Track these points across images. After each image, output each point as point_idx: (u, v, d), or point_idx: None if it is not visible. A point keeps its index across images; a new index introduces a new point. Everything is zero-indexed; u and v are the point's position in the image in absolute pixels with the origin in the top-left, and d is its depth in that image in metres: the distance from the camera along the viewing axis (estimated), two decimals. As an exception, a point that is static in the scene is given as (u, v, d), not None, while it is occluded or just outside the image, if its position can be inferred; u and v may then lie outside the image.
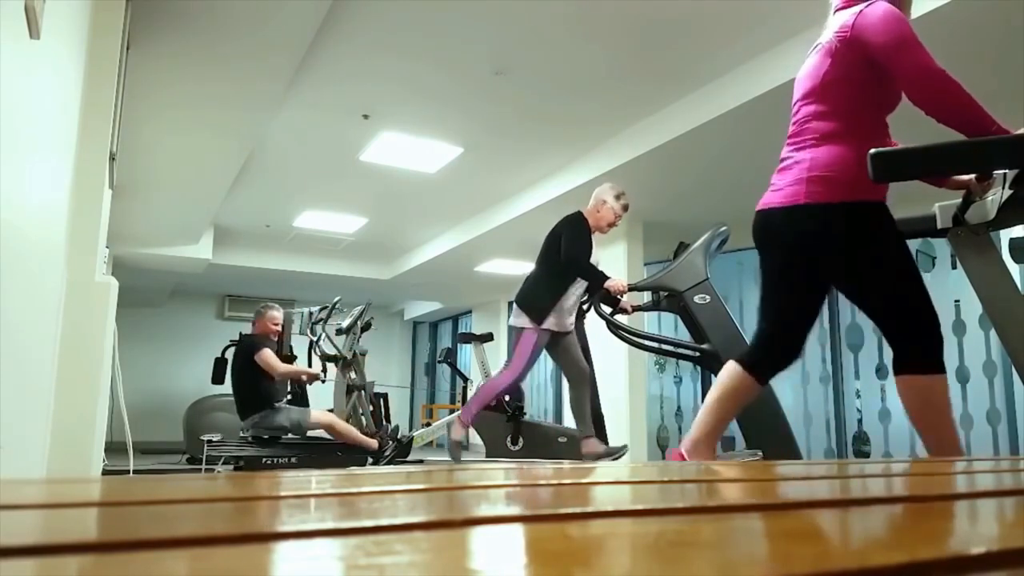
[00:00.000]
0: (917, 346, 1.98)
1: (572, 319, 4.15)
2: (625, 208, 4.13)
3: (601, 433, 4.42)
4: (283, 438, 5.31)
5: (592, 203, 4.13)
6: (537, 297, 4.04)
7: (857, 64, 1.92)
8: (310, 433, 5.44)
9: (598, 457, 4.10)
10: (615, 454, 4.16)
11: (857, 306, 2.03)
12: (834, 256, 1.97)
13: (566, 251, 3.94)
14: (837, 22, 1.99)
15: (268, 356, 5.14)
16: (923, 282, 1.93)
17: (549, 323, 4.01)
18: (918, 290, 1.91)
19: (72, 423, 2.42)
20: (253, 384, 5.18)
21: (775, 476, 1.07)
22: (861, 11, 1.92)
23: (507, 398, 4.73)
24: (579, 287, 4.10)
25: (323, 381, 5.62)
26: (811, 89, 2.02)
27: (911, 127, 2.06)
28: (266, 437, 5.21)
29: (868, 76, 1.93)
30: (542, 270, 4.10)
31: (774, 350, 2.14)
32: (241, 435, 5.26)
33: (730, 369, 2.13)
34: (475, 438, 4.53)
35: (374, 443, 5.30)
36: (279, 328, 5.49)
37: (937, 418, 2.04)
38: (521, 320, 4.03)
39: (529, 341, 3.99)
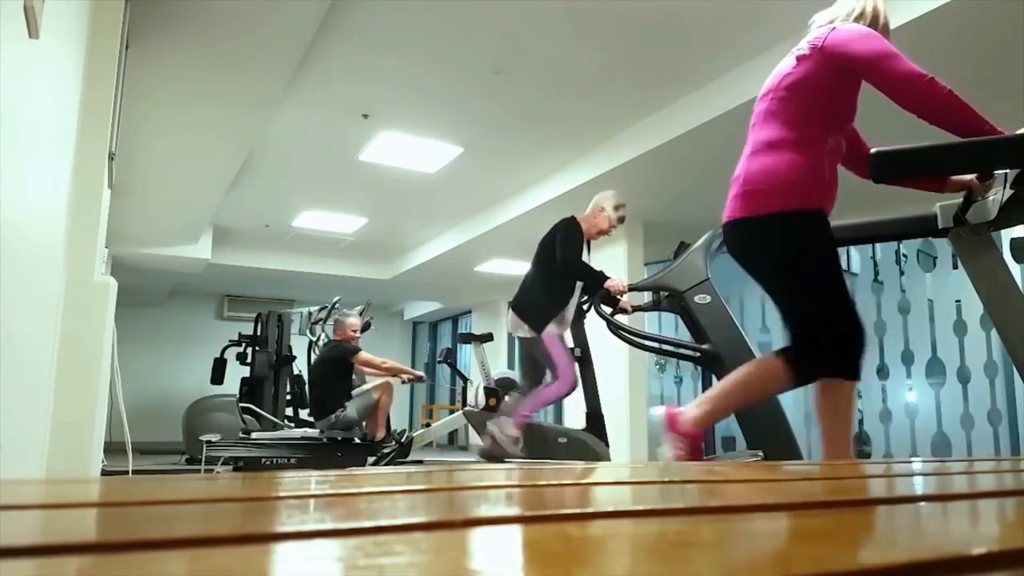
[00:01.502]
0: (809, 352, 1.97)
1: (568, 328, 4.13)
2: (621, 220, 4.10)
3: (601, 433, 4.42)
4: (279, 440, 5.35)
5: (590, 208, 4.10)
6: (537, 306, 4.00)
7: (820, 73, 1.96)
8: (309, 433, 5.47)
9: (490, 455, 4.12)
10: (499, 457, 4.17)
11: (778, 308, 2.06)
12: (763, 266, 2.03)
13: (562, 255, 3.92)
14: (812, 34, 2.06)
15: (367, 355, 5.50)
16: (843, 292, 1.95)
17: (549, 331, 3.99)
18: (832, 301, 1.94)
19: (71, 423, 2.41)
20: (336, 387, 5.41)
21: (776, 476, 1.07)
22: (835, 27, 1.99)
23: (507, 398, 4.73)
24: (577, 298, 4.10)
25: (424, 381, 6.01)
26: (769, 88, 2.06)
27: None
28: (340, 439, 5.39)
29: (827, 88, 1.97)
30: (539, 278, 4.06)
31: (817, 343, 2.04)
32: (318, 435, 5.42)
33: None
34: (475, 439, 4.52)
35: (382, 432, 5.49)
36: (358, 335, 5.74)
37: (832, 422, 2.07)
38: (526, 330, 3.98)
39: (552, 345, 3.95)
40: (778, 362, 1.96)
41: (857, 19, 2.04)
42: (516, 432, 4.06)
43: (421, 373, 5.89)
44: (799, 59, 2.01)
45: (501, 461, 4.03)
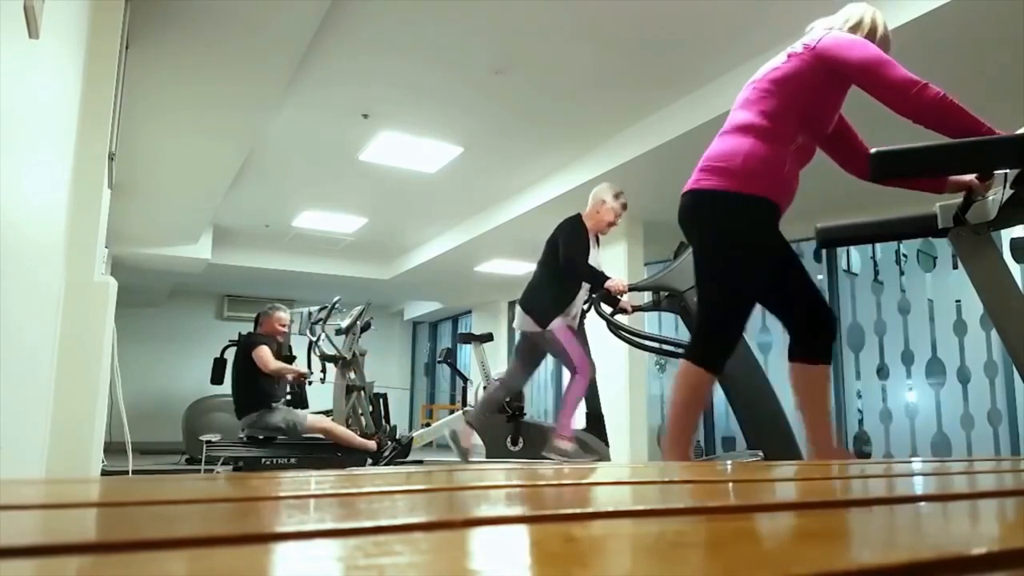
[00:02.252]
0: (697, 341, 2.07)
1: (576, 322, 4.13)
2: (624, 207, 4.10)
3: (601, 433, 4.42)
4: (278, 439, 5.31)
5: (591, 204, 4.10)
6: (542, 302, 4.00)
7: (808, 73, 2.00)
8: (310, 432, 5.45)
9: (463, 452, 4.11)
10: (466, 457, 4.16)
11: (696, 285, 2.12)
12: (698, 237, 2.08)
13: (564, 253, 3.92)
14: (806, 37, 2.11)
15: (263, 352, 5.15)
16: (744, 287, 2.05)
17: (556, 323, 3.98)
18: (727, 294, 2.03)
19: (71, 423, 2.41)
20: (250, 383, 5.19)
21: (776, 477, 1.07)
22: (831, 32, 2.04)
23: (507, 399, 4.73)
24: (584, 293, 4.09)
25: (310, 383, 5.62)
26: (756, 78, 2.13)
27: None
28: (261, 437, 5.21)
29: (810, 88, 2.02)
30: (545, 276, 4.06)
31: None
32: (239, 435, 5.26)
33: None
34: (475, 439, 4.51)
35: (372, 445, 5.31)
36: (286, 329, 5.51)
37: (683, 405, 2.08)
38: (532, 325, 3.97)
39: (564, 339, 3.93)
40: (687, 364, 2.03)
41: (853, 29, 2.09)
42: (570, 445, 4.01)
43: (304, 371, 5.52)
44: (790, 56, 2.05)
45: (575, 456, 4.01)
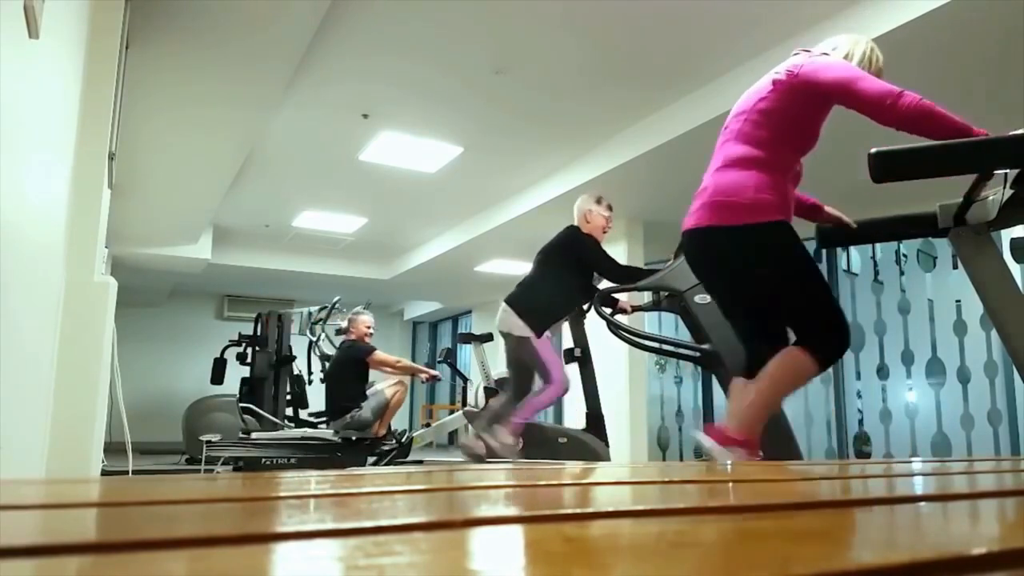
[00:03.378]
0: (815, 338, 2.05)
1: (558, 331, 4.13)
2: (610, 208, 4.08)
3: (601, 433, 4.42)
4: (280, 440, 5.33)
5: (579, 217, 4.04)
6: (542, 308, 3.95)
7: (793, 101, 2.07)
8: (309, 433, 5.47)
9: (477, 457, 4.08)
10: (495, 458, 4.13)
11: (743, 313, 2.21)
12: (734, 273, 2.13)
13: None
14: (792, 60, 2.15)
15: (382, 355, 5.48)
16: (826, 287, 2.11)
17: (546, 335, 3.97)
18: (810, 298, 2.08)
19: (71, 423, 2.41)
20: (352, 387, 5.39)
21: (776, 477, 1.07)
22: (815, 58, 2.10)
23: (492, 402, 4.73)
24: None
25: (439, 379, 5.93)
26: (744, 108, 2.16)
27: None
28: (354, 439, 5.35)
29: (798, 115, 2.08)
30: (550, 282, 4.00)
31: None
32: (332, 436, 5.40)
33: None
34: (504, 436, 4.50)
35: (384, 429, 5.47)
36: (372, 332, 5.66)
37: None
38: (522, 329, 3.92)
39: (544, 348, 3.91)
40: (800, 352, 2.01)
41: (841, 54, 2.15)
42: (512, 439, 4.03)
43: (437, 373, 5.87)
44: (775, 83, 2.11)
45: (484, 461, 4.02)
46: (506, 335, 3.97)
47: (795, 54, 2.21)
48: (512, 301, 3.97)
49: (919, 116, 1.87)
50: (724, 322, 3.29)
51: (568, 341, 4.49)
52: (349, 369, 5.44)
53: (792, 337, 2.09)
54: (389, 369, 5.59)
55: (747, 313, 2.20)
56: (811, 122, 2.10)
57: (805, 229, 2.61)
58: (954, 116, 1.86)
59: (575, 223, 4.03)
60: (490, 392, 5.51)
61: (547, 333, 3.94)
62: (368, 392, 5.47)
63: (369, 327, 5.65)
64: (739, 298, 2.19)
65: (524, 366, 4.03)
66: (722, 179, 2.09)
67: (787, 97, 2.07)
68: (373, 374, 5.75)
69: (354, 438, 5.35)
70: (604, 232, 4.05)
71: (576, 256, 3.93)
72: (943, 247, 5.35)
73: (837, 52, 2.15)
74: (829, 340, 2.03)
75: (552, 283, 3.98)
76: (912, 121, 1.88)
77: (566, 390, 4.02)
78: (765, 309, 2.14)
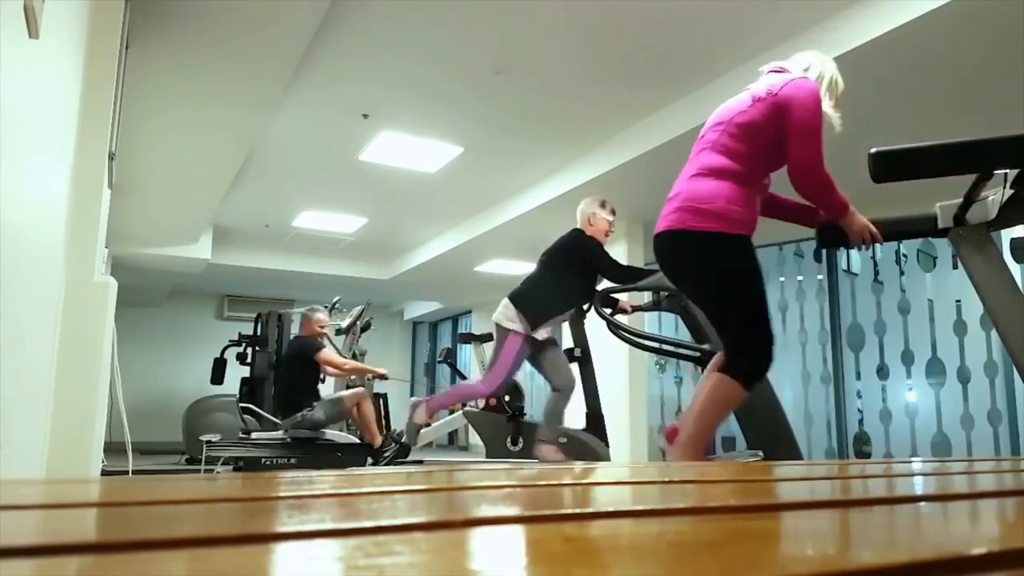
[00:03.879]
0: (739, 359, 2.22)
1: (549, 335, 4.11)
2: (613, 213, 4.09)
3: (601, 433, 4.42)
4: (280, 440, 5.32)
5: (582, 219, 4.04)
6: (542, 305, 3.95)
7: (769, 121, 2.16)
8: (311, 433, 5.44)
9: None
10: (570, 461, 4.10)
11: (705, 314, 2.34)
12: (696, 276, 2.28)
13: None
14: (770, 79, 2.26)
15: (331, 354, 5.34)
16: (765, 308, 2.24)
17: (541, 332, 3.94)
18: (755, 315, 2.22)
19: (71, 423, 2.41)
20: (301, 385, 5.32)
21: (776, 476, 1.07)
22: (794, 79, 2.20)
23: (507, 398, 4.72)
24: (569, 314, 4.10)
25: (386, 378, 5.73)
26: (722, 120, 2.25)
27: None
28: (304, 438, 5.28)
29: (772, 135, 2.17)
30: (553, 283, 3.97)
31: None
32: (281, 435, 5.33)
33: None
34: (475, 439, 4.51)
35: (379, 439, 5.36)
36: (326, 330, 5.58)
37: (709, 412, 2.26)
38: (513, 322, 3.92)
39: (513, 348, 3.89)
40: (727, 381, 2.17)
41: (813, 75, 2.25)
42: (423, 420, 4.06)
43: (383, 371, 5.66)
44: (754, 100, 2.20)
45: (414, 445, 4.03)
46: (497, 326, 3.99)
47: (769, 71, 2.34)
48: (514, 296, 3.98)
49: (815, 181, 2.11)
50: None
51: (568, 341, 4.49)
52: (298, 367, 5.33)
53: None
54: (335, 371, 5.45)
55: (731, 312, 2.29)
56: (783, 140, 2.18)
57: (806, 229, 2.62)
58: (836, 187, 2.12)
59: (578, 226, 4.03)
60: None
61: (543, 332, 3.92)
62: (329, 396, 5.38)
63: (323, 326, 5.55)
64: (701, 299, 2.39)
65: (549, 365, 4.05)
66: (696, 186, 2.20)
67: (765, 114, 2.16)
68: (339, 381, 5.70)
69: (305, 438, 5.27)
70: (606, 236, 4.05)
71: (579, 258, 3.93)
72: (943, 247, 5.35)
73: (809, 73, 2.26)
74: (751, 365, 2.19)
75: (554, 283, 3.98)
76: (809, 183, 2.12)
77: (492, 394, 4.04)
78: (749, 306, 2.24)
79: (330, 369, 5.44)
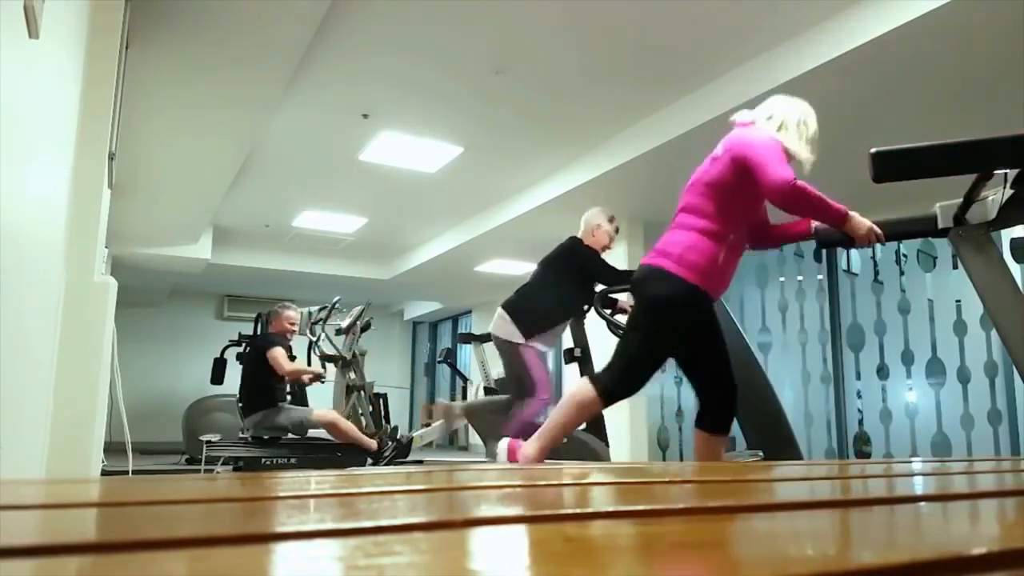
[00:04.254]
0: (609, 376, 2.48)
1: (552, 343, 4.08)
2: (617, 230, 4.08)
3: (601, 433, 4.42)
4: (283, 438, 5.31)
5: (585, 228, 4.02)
6: (535, 313, 3.91)
7: (729, 177, 2.31)
8: (311, 432, 5.44)
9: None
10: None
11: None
12: (642, 303, 2.45)
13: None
14: (731, 136, 2.39)
15: (278, 354, 5.13)
16: (649, 357, 2.46)
17: (537, 341, 3.91)
18: (634, 352, 2.45)
19: (71, 423, 2.41)
20: (260, 383, 5.18)
21: (776, 476, 1.07)
22: (745, 132, 2.35)
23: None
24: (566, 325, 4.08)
25: (323, 381, 5.60)
26: (693, 181, 2.43)
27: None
28: (266, 438, 5.21)
29: (733, 189, 2.32)
30: (550, 291, 3.94)
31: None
32: (241, 435, 5.26)
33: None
34: (475, 439, 4.51)
35: (373, 443, 5.30)
36: (295, 328, 5.48)
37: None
38: (510, 333, 3.85)
39: (533, 360, 3.83)
40: (588, 387, 2.43)
41: (778, 128, 2.36)
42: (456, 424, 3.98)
43: (320, 371, 5.47)
44: (714, 160, 2.37)
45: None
46: (495, 339, 3.95)
47: (737, 124, 2.46)
48: (507, 305, 3.95)
49: (810, 205, 2.20)
50: (723, 321, 3.30)
51: (568, 341, 4.49)
52: (252, 364, 5.22)
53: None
54: (280, 371, 5.18)
55: (630, 345, 2.50)
56: (748, 191, 2.30)
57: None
58: (834, 204, 2.19)
59: (579, 234, 4.02)
60: (490, 392, 5.51)
61: (538, 345, 3.91)
62: (298, 409, 5.26)
63: (293, 323, 5.39)
64: (635, 330, 2.51)
65: (515, 374, 3.98)
66: (667, 236, 2.41)
67: (724, 172, 2.32)
68: (321, 397, 5.51)
69: (266, 437, 5.17)
70: (604, 250, 4.03)
71: (578, 265, 3.91)
72: (943, 247, 5.35)
73: (772, 121, 2.38)
74: (615, 386, 2.44)
75: (551, 290, 3.96)
76: (793, 203, 2.19)
77: (548, 404, 3.95)
78: (656, 350, 2.47)
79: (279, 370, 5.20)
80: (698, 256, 2.30)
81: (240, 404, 5.28)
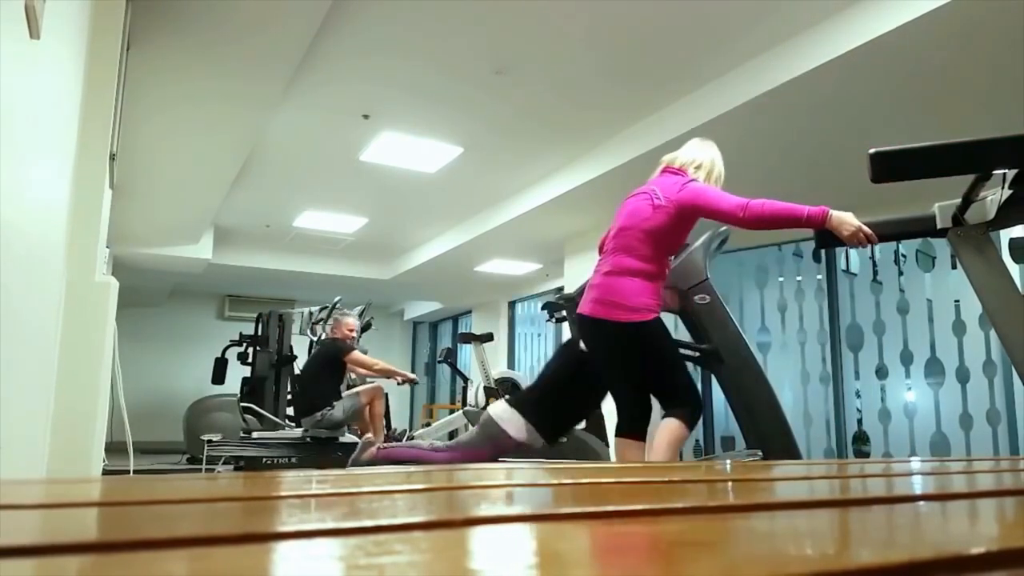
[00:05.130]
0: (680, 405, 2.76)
1: None
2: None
3: (601, 433, 4.42)
4: (284, 439, 5.32)
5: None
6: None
7: (672, 224, 2.62)
8: (312, 433, 5.45)
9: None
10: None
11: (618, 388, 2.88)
12: (615, 357, 2.77)
13: None
14: (666, 184, 2.70)
15: (361, 356, 5.44)
16: (683, 369, 2.87)
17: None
18: (677, 377, 2.79)
19: (72, 423, 2.42)
20: (329, 384, 5.36)
21: (775, 476, 1.07)
22: (689, 183, 2.67)
23: (507, 398, 4.72)
24: None
25: (416, 383, 5.83)
26: (628, 226, 2.70)
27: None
28: (324, 437, 5.30)
29: (676, 232, 2.66)
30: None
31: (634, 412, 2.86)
32: (300, 434, 5.36)
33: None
34: (475, 438, 4.50)
35: (382, 437, 5.40)
36: (355, 335, 5.64)
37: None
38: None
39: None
40: (675, 423, 2.70)
41: (701, 172, 2.74)
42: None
43: (414, 376, 5.78)
44: (655, 208, 2.65)
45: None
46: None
47: (665, 169, 2.79)
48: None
49: (760, 217, 2.44)
50: (723, 322, 3.30)
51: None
52: (326, 367, 5.41)
53: (655, 405, 2.80)
54: (365, 371, 5.53)
55: (623, 388, 2.83)
56: (684, 232, 2.71)
57: (805, 230, 2.62)
58: (799, 207, 2.40)
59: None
60: (490, 392, 5.51)
61: None
62: (344, 393, 5.45)
63: (352, 329, 5.61)
64: (619, 375, 2.81)
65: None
66: (612, 283, 2.66)
67: (668, 219, 2.62)
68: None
69: (324, 437, 5.32)
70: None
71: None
72: (942, 247, 5.35)
73: (701, 170, 2.74)
74: (692, 411, 2.72)
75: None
76: (757, 221, 2.45)
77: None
78: (637, 385, 2.76)
79: (360, 370, 5.54)
80: (649, 298, 2.66)
81: (298, 406, 5.46)
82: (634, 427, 2.76)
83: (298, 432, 5.50)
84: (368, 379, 5.83)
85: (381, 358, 5.94)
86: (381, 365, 5.52)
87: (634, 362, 2.74)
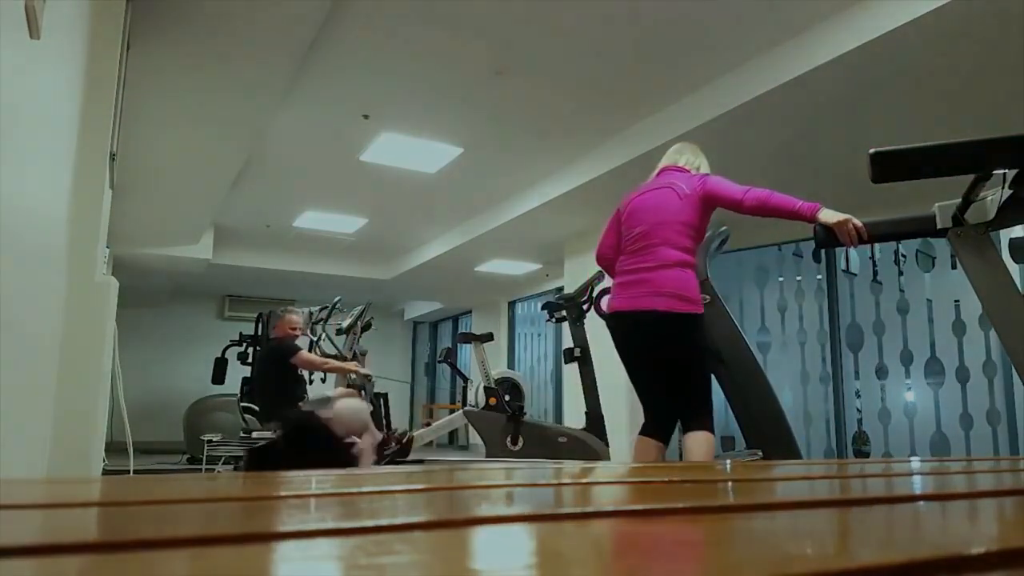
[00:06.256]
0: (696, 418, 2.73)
1: None
2: None
3: (601, 433, 4.42)
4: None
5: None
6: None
7: (702, 215, 2.74)
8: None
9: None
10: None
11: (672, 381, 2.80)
12: (682, 349, 2.74)
13: None
14: (684, 179, 2.81)
15: (308, 355, 5.17)
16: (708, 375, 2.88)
17: None
18: (708, 381, 2.83)
19: (73, 423, 2.42)
20: (284, 387, 5.18)
21: (775, 476, 1.07)
22: (707, 175, 2.81)
23: (507, 397, 4.73)
24: None
25: (370, 379, 5.60)
26: (664, 220, 2.73)
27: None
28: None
29: (703, 223, 2.77)
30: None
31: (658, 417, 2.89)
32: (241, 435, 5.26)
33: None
34: (475, 438, 4.51)
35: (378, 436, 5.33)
36: (298, 332, 5.47)
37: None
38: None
39: None
40: (709, 436, 2.67)
41: (704, 171, 2.89)
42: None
43: (367, 371, 5.52)
44: (683, 198, 2.74)
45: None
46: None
47: (671, 168, 2.90)
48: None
49: (762, 204, 2.57)
50: (724, 321, 3.30)
51: (568, 341, 4.49)
52: (274, 372, 5.17)
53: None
54: (316, 370, 5.26)
55: (705, 383, 2.81)
56: (707, 224, 2.80)
57: (805, 229, 2.62)
58: (785, 196, 2.55)
59: None
60: (490, 392, 5.51)
61: None
62: (317, 397, 5.28)
63: (294, 327, 5.36)
64: (700, 368, 2.79)
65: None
66: (669, 276, 2.68)
67: (700, 210, 2.73)
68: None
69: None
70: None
71: None
72: (942, 247, 5.35)
73: (702, 170, 2.88)
74: (712, 423, 2.71)
75: None
76: (759, 208, 2.58)
77: None
78: (689, 384, 2.76)
79: (314, 369, 5.28)
80: (698, 292, 2.72)
81: (261, 409, 5.25)
82: (694, 426, 2.70)
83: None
84: (351, 377, 5.74)
85: (381, 358, 5.89)
86: (332, 364, 5.25)
87: (697, 357, 2.78)
